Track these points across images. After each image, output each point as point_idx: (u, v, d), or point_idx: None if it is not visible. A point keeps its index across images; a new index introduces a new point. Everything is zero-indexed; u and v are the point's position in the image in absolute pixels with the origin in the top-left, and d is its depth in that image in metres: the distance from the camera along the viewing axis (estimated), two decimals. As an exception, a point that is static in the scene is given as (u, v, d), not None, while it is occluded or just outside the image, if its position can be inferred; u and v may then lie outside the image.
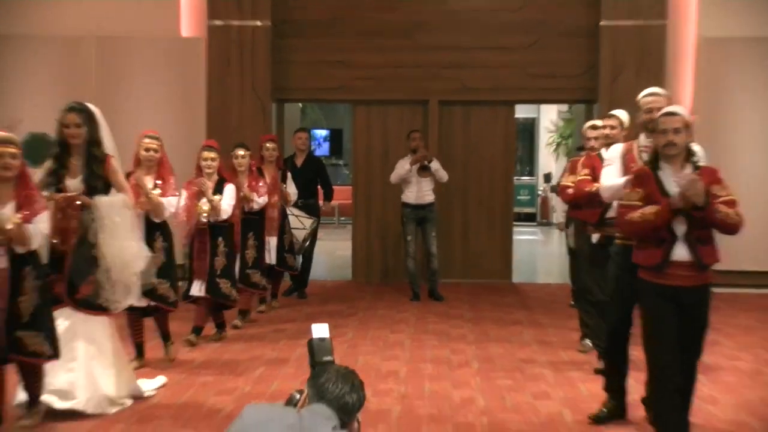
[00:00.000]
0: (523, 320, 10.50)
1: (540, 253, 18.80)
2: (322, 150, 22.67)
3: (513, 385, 7.74)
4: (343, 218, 20.05)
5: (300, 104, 20.91)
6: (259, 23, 12.53)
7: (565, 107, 21.08)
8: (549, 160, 22.16)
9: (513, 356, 8.86)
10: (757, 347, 9.08)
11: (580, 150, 9.83)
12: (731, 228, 5.21)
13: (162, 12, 12.69)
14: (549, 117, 22.40)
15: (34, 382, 6.16)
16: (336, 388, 3.48)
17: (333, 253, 16.30)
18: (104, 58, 12.77)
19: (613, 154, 6.57)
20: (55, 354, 6.06)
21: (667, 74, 12.50)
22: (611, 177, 6.38)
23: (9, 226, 5.50)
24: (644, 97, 6.30)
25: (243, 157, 9.68)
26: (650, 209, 5.27)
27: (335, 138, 23.19)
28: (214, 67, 12.57)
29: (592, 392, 7.21)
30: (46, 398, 6.34)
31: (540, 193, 22.27)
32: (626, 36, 12.44)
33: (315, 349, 3.70)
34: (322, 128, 23.74)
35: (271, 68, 12.79)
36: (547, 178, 21.33)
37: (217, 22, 12.54)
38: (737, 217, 5.19)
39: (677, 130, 5.32)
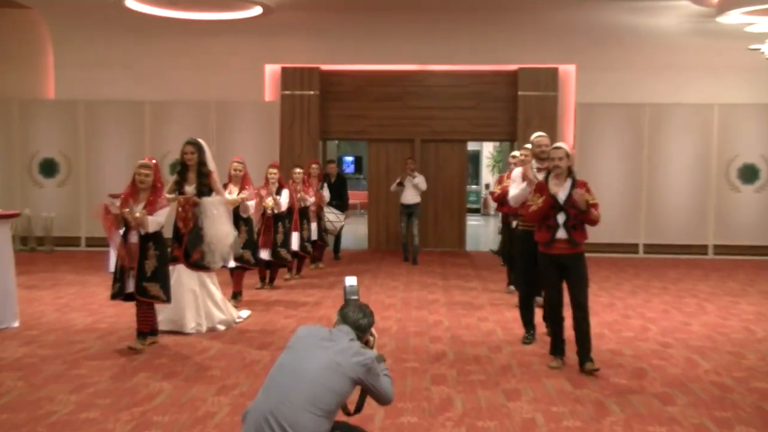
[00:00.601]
0: (472, 274, 12.95)
1: (481, 233, 21.41)
2: (350, 169, 28.09)
3: (465, 313, 9.47)
4: (362, 211, 22.71)
5: (336, 141, 23.96)
6: (312, 92, 15.72)
7: (497, 144, 24.98)
8: (488, 176, 28.12)
9: (465, 296, 10.78)
10: (612, 289, 11.30)
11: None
12: (594, 223, 6.76)
13: (253, 85, 15.91)
14: (488, 149, 27.95)
15: (147, 317, 7.48)
16: (354, 314, 4.20)
17: (356, 232, 18.93)
18: (220, 114, 15.78)
19: (514, 175, 8.08)
20: (167, 299, 7.49)
21: (557, 125, 15.55)
22: (514, 190, 7.91)
23: (136, 215, 7.07)
24: (536, 137, 7.78)
25: (298, 173, 11.94)
26: (540, 201, 6.82)
27: (358, 162, 28.91)
28: (285, 119, 15.74)
29: (515, 318, 8.61)
30: (186, 330, 8.01)
31: (482, 195, 27.84)
32: (532, 101, 15.57)
33: (346, 291, 4.38)
34: (350, 155, 29.10)
35: (318, 120, 15.84)
36: (487, 186, 26.80)
37: (287, 92, 15.77)
38: (598, 215, 6.72)
39: (561, 158, 6.77)
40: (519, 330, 8.25)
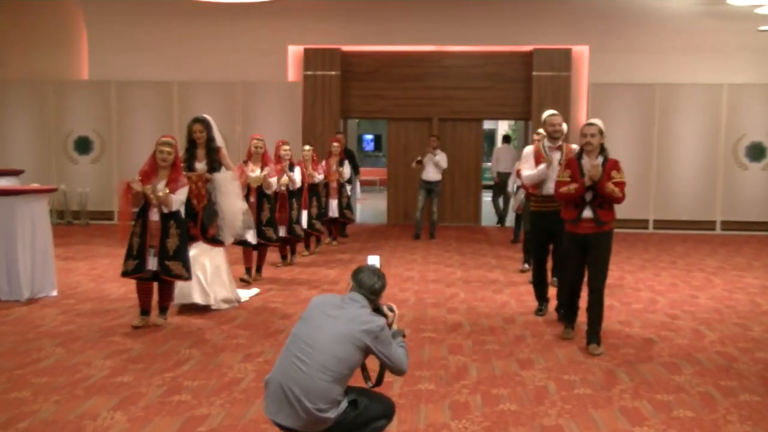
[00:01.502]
0: (487, 248, 12.88)
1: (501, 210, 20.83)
2: (370, 147, 27.52)
3: (481, 286, 9.47)
4: (381, 187, 22.46)
5: (357, 120, 22.99)
6: (333, 73, 15.73)
7: (512, 122, 24.16)
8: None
9: (481, 269, 10.76)
10: (623, 263, 11.14)
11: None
12: (615, 200, 6.31)
13: (277, 66, 15.89)
14: (503, 128, 26.36)
15: (168, 294, 7.36)
16: (369, 279, 4.20)
17: (376, 207, 19.08)
18: (245, 94, 15.85)
19: (526, 153, 7.82)
20: (189, 276, 7.25)
21: (571, 104, 15.53)
22: (527, 170, 7.64)
23: (160, 194, 6.80)
24: (548, 116, 7.54)
25: (307, 151, 11.43)
26: (573, 186, 6.36)
27: (377, 140, 28.15)
28: (307, 99, 15.77)
29: (528, 290, 8.72)
30: (193, 300, 7.72)
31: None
32: (546, 81, 15.54)
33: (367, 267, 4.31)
34: (370, 134, 28.37)
35: (339, 99, 15.85)
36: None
37: (309, 72, 15.80)
38: (620, 193, 6.23)
39: (593, 135, 6.37)
40: (532, 302, 8.23)
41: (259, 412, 4.98)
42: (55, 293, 8.63)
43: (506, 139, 17.57)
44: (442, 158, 13.75)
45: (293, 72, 16.15)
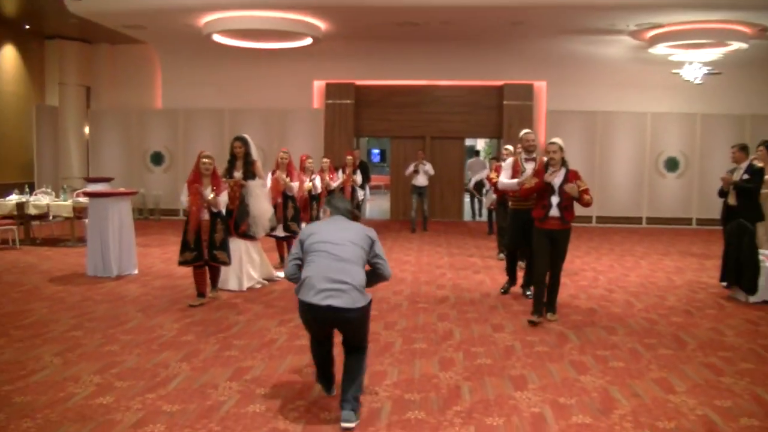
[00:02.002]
0: (468, 238, 12.71)
1: (475, 208, 20.29)
2: (377, 159, 27.26)
3: (463, 267, 9.41)
4: (386, 190, 21.05)
5: (367, 138, 23.04)
6: (348, 101, 15.61)
7: (487, 140, 23.56)
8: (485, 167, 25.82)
9: (463, 255, 10.63)
10: (573, 250, 12.09)
11: (495, 159, 11.95)
12: (587, 205, 6.16)
13: (305, 97, 15.90)
14: (480, 145, 25.37)
15: (216, 276, 7.22)
16: (341, 203, 4.29)
17: (381, 206, 18.78)
18: (280, 119, 15.69)
19: (506, 165, 7.46)
20: (230, 262, 7.11)
21: (533, 127, 14.92)
22: (504, 178, 7.27)
23: (209, 198, 6.62)
24: (525, 134, 7.25)
25: (325, 162, 10.96)
26: (533, 180, 6.27)
27: (383, 153, 27.40)
28: (328, 122, 15.60)
29: (500, 272, 8.77)
30: (228, 287, 7.48)
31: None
32: (514, 108, 15.38)
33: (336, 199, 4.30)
34: (377, 149, 27.90)
35: (353, 122, 15.68)
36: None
37: (330, 101, 15.62)
38: (590, 199, 6.11)
39: (555, 151, 6.13)
40: (503, 280, 8.15)
41: (292, 364, 5.02)
42: (136, 271, 8.68)
43: (477, 153, 17.71)
44: (429, 167, 13.52)
45: (317, 101, 16.09)
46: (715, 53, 12.87)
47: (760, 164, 7.72)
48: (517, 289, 7.72)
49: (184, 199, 6.76)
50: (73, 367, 4.88)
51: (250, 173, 7.57)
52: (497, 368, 4.99)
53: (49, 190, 11.79)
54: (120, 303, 6.98)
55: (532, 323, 6.21)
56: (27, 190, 11.69)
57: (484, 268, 9.48)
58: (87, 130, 16.34)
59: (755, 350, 5.54)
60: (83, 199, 10.74)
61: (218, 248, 6.82)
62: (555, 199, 6.14)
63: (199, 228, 6.76)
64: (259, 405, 4.20)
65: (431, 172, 13.54)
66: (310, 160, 9.88)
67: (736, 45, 12.23)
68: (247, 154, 7.60)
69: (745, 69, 14.76)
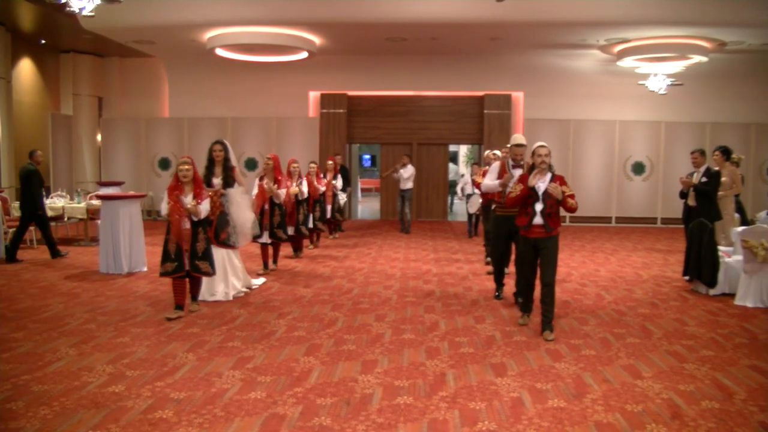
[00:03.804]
0: (452, 237, 12.66)
1: (460, 210, 19.93)
2: (368, 164, 26.20)
3: (447, 264, 9.36)
4: (376, 192, 20.54)
5: (358, 145, 21.84)
6: (341, 110, 15.51)
7: (469, 146, 22.48)
8: (463, 168, 24.52)
9: (447, 253, 10.53)
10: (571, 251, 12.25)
11: (476, 164, 12.12)
12: (572, 210, 5.45)
13: (301, 106, 15.75)
14: (463, 150, 25.33)
15: (197, 287, 6.38)
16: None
17: (372, 207, 18.90)
18: (278, 127, 15.51)
19: (492, 168, 6.91)
20: (214, 272, 6.30)
21: (511, 134, 14.90)
22: (488, 180, 6.80)
23: (189, 206, 5.85)
24: (515, 147, 6.48)
25: (312, 167, 10.50)
26: (518, 188, 5.55)
27: (373, 159, 26.40)
28: (323, 130, 15.49)
29: (481, 267, 8.82)
30: (215, 296, 6.75)
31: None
32: (494, 117, 15.38)
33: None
34: (367, 154, 26.66)
35: (346, 130, 15.56)
36: (462, 176, 22.57)
37: (324, 110, 15.50)
38: (575, 204, 5.42)
39: (546, 155, 5.44)
40: (486, 277, 8.19)
41: (290, 353, 5.00)
42: (145, 269, 8.63)
43: (453, 160, 17.50)
44: (404, 171, 12.90)
45: (313, 110, 16.00)
46: (678, 66, 13.04)
47: (716, 168, 7.77)
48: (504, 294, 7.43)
49: (164, 206, 6.00)
50: (87, 357, 4.84)
51: (230, 180, 6.79)
52: (479, 356, 4.98)
53: (64, 194, 11.74)
54: (131, 298, 6.92)
55: (522, 324, 5.85)
56: (44, 193, 11.55)
57: (466, 264, 9.46)
58: (99, 137, 16.31)
59: (715, 339, 5.57)
60: (96, 202, 10.70)
61: (200, 258, 6.09)
62: (539, 206, 5.50)
63: (180, 237, 6.01)
64: (260, 392, 4.18)
65: (405, 176, 12.82)
66: (295, 165, 9.22)
67: (696, 58, 12.38)
68: (227, 160, 6.84)
69: (705, 80, 14.86)
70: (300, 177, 9.35)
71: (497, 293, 7.05)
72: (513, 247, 6.93)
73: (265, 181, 8.09)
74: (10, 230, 10.07)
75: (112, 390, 4.17)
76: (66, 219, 11.24)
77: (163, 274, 6.00)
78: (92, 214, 10.88)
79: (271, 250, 8.62)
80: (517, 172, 6.42)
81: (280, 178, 8.25)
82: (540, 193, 5.46)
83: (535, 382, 4.42)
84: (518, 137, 6.53)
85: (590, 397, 4.14)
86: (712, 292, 7.28)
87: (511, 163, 6.61)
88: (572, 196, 5.46)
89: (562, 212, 14.66)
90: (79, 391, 4.14)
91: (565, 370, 4.67)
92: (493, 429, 3.63)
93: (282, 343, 5.31)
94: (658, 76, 13.20)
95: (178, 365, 4.70)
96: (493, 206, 7.10)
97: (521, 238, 5.68)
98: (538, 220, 5.49)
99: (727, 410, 3.93)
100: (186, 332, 5.59)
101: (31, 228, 10.65)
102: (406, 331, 5.72)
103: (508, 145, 6.81)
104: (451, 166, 17.50)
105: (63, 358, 4.81)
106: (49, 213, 10.81)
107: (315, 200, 10.37)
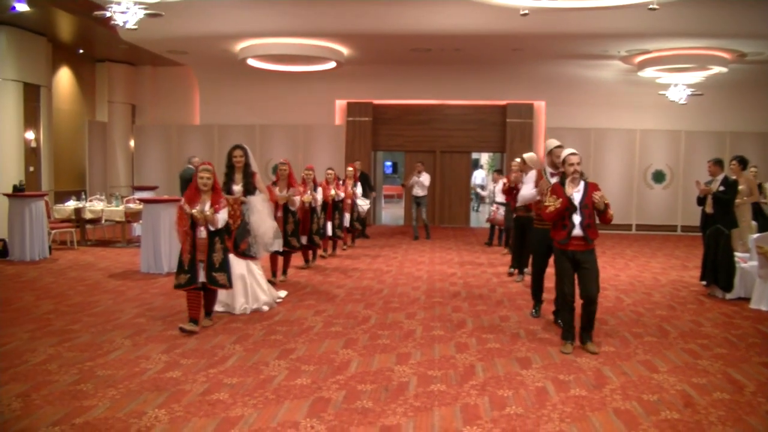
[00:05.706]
0: (475, 242, 12.78)
1: (482, 216, 19.87)
2: (389, 170, 25.63)
3: (472, 267, 9.50)
4: (399, 199, 21.68)
5: (382, 151, 21.97)
6: (367, 119, 15.71)
7: (491, 154, 20.88)
8: (485, 175, 23.40)
9: (472, 257, 10.66)
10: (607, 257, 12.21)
11: (498, 172, 12.44)
12: (609, 221, 5.18)
13: (328, 114, 15.98)
14: (485, 158, 24.10)
15: (213, 300, 5.97)
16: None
17: (395, 213, 19.13)
18: (305, 134, 15.76)
19: (528, 178, 6.54)
20: (230, 286, 5.85)
21: (533, 143, 15.39)
22: (525, 191, 6.43)
23: (207, 214, 5.50)
24: (556, 148, 6.00)
25: (330, 173, 9.99)
26: (558, 201, 5.16)
27: (394, 165, 26.21)
28: (348, 137, 15.70)
29: (504, 270, 8.78)
30: (235, 308, 6.34)
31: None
32: (516, 126, 15.49)
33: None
34: (389, 161, 26.13)
35: (371, 138, 15.77)
36: (482, 187, 22.15)
37: (350, 119, 15.72)
38: (613, 214, 5.19)
39: (579, 162, 5.17)
40: (509, 278, 8.34)
41: (329, 346, 5.25)
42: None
43: (476, 165, 17.52)
44: (425, 178, 12.64)
45: (339, 118, 16.11)
46: (698, 76, 13.08)
47: (733, 177, 7.95)
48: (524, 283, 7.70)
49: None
50: (142, 347, 5.19)
51: (250, 186, 6.41)
52: (505, 351, 5.25)
53: (102, 197, 12.11)
54: (173, 296, 7.18)
55: (565, 353, 5.19)
56: (84, 196, 12.06)
57: (490, 267, 9.62)
58: (132, 143, 16.63)
59: (729, 338, 5.77)
60: (133, 205, 11.13)
61: (217, 270, 5.68)
62: (577, 218, 5.14)
63: (195, 248, 5.62)
64: (305, 378, 4.51)
65: (426, 183, 12.62)
66: (308, 172, 8.75)
67: (716, 69, 12.42)
68: (247, 165, 6.47)
69: (724, 90, 14.89)
70: (315, 184, 8.93)
71: (534, 310, 6.47)
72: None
73: (278, 187, 7.75)
74: (53, 232, 10.58)
75: (170, 375, 4.51)
76: (103, 221, 11.59)
77: (177, 287, 5.64)
78: (129, 217, 11.23)
79: (281, 262, 8.11)
80: (555, 180, 5.82)
81: (295, 184, 7.85)
82: (576, 203, 5.15)
83: (558, 374, 4.70)
84: (554, 141, 6.15)
85: (609, 387, 4.42)
86: (728, 296, 7.45)
87: (549, 170, 6.07)
88: (608, 206, 5.19)
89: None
90: (140, 376, 4.49)
91: (585, 364, 4.93)
92: (520, 413, 3.95)
93: (321, 337, 5.62)
94: (679, 86, 13.27)
95: (227, 355, 5.03)
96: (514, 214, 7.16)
97: (558, 252, 5.28)
98: (577, 231, 5.16)
99: (737, 401, 4.19)
100: (230, 326, 5.91)
101: (72, 230, 11.20)
102: (436, 328, 5.98)
103: (530, 154, 6.88)
104: (478, 172, 17.49)
105: (120, 348, 5.17)
106: (89, 215, 11.38)
107: (334, 207, 10.04)
